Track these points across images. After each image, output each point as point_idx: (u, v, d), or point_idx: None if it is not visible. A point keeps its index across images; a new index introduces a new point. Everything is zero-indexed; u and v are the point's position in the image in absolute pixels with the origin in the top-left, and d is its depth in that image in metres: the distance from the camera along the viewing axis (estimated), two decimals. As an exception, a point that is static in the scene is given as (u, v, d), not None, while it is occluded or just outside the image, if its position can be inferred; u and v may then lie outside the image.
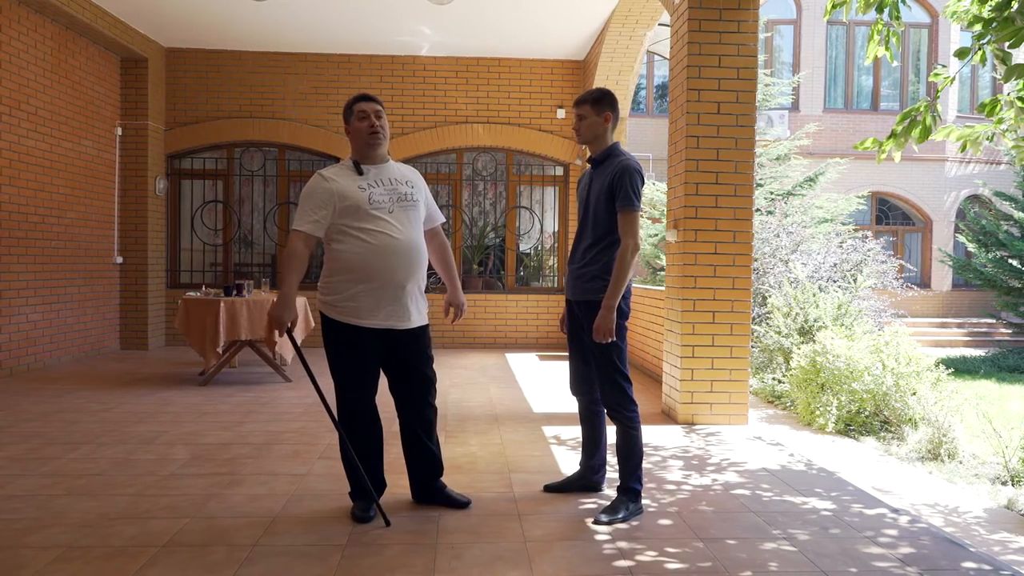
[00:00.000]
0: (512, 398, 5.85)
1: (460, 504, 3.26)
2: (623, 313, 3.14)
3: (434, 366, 3.24)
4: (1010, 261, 11.88)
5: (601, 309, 3.06)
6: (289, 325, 3.00)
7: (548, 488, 3.49)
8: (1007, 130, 3.50)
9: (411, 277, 3.04)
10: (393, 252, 2.98)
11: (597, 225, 3.17)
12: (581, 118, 3.23)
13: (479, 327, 9.19)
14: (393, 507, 3.21)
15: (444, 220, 3.46)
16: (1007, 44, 3.04)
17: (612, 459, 3.54)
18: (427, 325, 3.18)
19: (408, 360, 3.13)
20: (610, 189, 3.10)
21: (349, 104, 3.10)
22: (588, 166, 3.33)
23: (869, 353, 5.11)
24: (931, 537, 2.99)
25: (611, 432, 3.36)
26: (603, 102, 3.21)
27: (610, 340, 3.06)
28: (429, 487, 3.28)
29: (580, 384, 3.40)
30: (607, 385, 3.17)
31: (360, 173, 3.05)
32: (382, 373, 3.15)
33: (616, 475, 3.26)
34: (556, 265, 9.64)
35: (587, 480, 3.48)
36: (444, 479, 3.34)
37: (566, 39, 8.43)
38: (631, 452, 3.18)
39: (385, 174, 3.10)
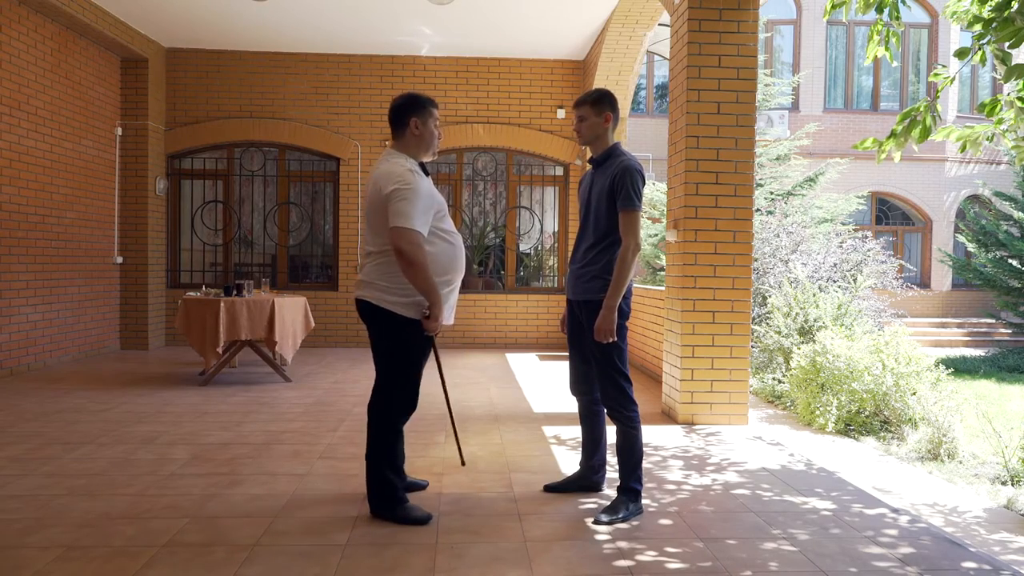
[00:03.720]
0: (512, 398, 5.85)
1: (421, 486, 3.41)
2: (623, 313, 3.14)
3: (434, 366, 3.29)
4: (1010, 261, 11.88)
5: (602, 309, 3.06)
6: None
7: (548, 488, 3.49)
8: (1007, 130, 3.50)
9: None
10: (462, 252, 3.14)
11: (598, 225, 3.17)
12: (581, 119, 3.24)
13: (479, 327, 9.19)
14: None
15: None
16: (1007, 44, 3.04)
17: (612, 459, 3.54)
18: None
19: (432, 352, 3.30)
20: (611, 189, 3.11)
21: (424, 103, 3.08)
22: (589, 167, 3.33)
23: (869, 353, 5.11)
24: (931, 537, 2.99)
25: (611, 432, 3.36)
26: (603, 102, 3.21)
27: (611, 340, 3.06)
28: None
29: (580, 384, 3.40)
30: (607, 385, 3.17)
31: (427, 174, 3.09)
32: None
33: (616, 475, 3.26)
34: (556, 265, 9.64)
35: (587, 480, 3.48)
36: (445, 478, 3.42)
37: (566, 39, 8.44)
38: (631, 452, 3.18)
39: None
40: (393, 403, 3.05)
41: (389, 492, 3.05)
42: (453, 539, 2.88)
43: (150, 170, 8.57)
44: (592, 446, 3.46)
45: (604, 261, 3.15)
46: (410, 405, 3.08)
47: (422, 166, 3.08)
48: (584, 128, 3.24)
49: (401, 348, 3.02)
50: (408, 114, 3.05)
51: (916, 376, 4.87)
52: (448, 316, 3.09)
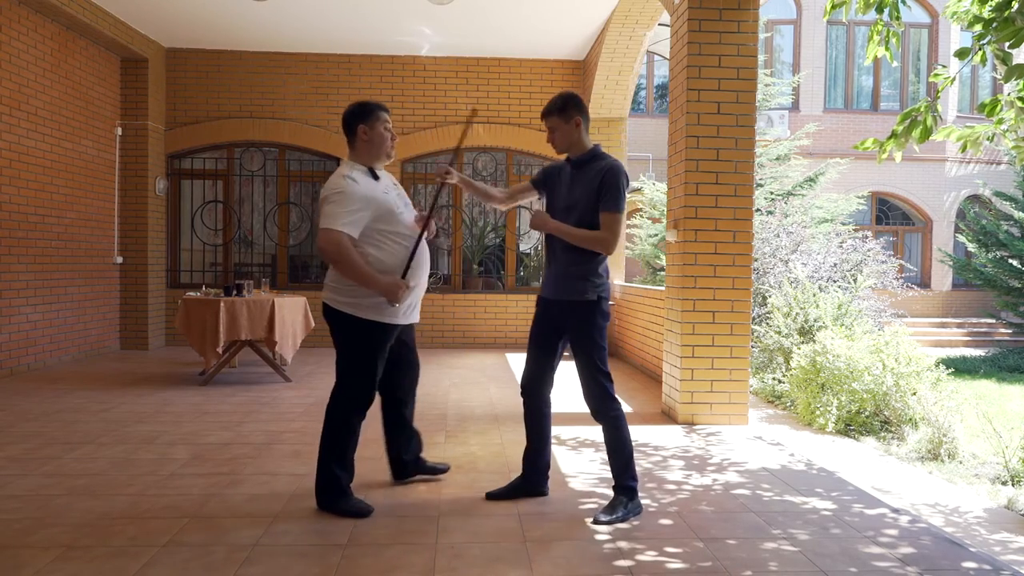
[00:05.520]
0: (512, 398, 5.84)
1: (442, 470, 3.64)
2: (604, 315, 3.15)
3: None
4: (1010, 261, 11.88)
5: (551, 223, 3.12)
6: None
7: (491, 496, 3.35)
8: (1007, 130, 3.50)
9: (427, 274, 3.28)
10: (423, 253, 3.19)
11: (583, 226, 3.12)
12: (552, 130, 3.21)
13: (479, 327, 9.19)
14: (392, 506, 3.22)
15: None
16: (1007, 44, 3.04)
17: (608, 458, 3.53)
18: None
19: (410, 347, 3.38)
20: (597, 191, 3.09)
21: (371, 109, 3.15)
22: (565, 162, 3.29)
23: (869, 353, 5.11)
24: (931, 537, 2.99)
25: (602, 432, 3.34)
26: (568, 108, 3.18)
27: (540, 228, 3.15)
28: (417, 460, 3.56)
29: (533, 384, 3.31)
30: (590, 384, 3.15)
31: (376, 179, 3.16)
32: None
33: (614, 475, 3.25)
34: (556, 265, 9.63)
35: (532, 485, 3.38)
36: (444, 478, 3.52)
37: (566, 39, 8.44)
38: (621, 449, 3.16)
39: (388, 179, 3.27)
40: (348, 399, 3.15)
41: (334, 485, 3.13)
42: (453, 539, 2.88)
43: (150, 170, 8.57)
44: (536, 453, 3.36)
45: (591, 263, 3.13)
46: (364, 402, 3.16)
47: (372, 172, 3.14)
48: (557, 138, 3.22)
49: (354, 346, 3.14)
50: (356, 122, 3.14)
51: (916, 376, 4.87)
52: (411, 314, 3.21)
